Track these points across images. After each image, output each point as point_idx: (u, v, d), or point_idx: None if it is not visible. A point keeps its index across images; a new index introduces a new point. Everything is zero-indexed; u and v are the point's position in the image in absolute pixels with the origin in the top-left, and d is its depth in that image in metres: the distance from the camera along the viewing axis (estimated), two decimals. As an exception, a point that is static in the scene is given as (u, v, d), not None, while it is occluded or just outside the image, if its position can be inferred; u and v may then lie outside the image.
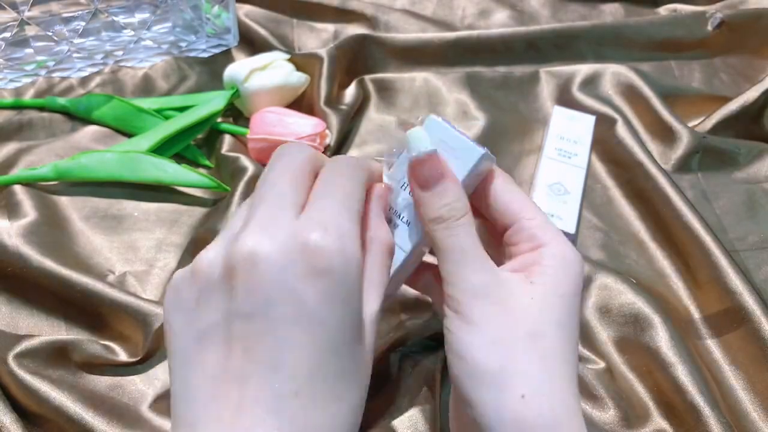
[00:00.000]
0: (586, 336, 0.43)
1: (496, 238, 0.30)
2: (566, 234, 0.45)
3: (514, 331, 0.26)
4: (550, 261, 0.27)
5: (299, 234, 0.23)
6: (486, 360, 0.25)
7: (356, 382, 0.25)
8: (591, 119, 0.54)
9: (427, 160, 0.28)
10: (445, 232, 0.27)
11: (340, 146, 0.53)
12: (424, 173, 0.28)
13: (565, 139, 0.52)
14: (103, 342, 0.40)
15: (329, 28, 0.63)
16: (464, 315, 0.26)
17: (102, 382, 0.39)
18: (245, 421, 0.22)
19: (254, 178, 0.47)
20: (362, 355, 0.25)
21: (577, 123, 0.54)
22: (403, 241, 0.30)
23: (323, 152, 0.51)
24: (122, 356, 0.40)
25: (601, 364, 0.41)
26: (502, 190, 0.30)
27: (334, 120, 0.52)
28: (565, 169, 0.50)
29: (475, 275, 0.26)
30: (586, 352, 0.42)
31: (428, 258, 0.31)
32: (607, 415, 0.39)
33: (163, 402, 0.39)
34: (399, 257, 0.30)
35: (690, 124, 0.55)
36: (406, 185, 0.30)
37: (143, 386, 0.39)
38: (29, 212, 0.45)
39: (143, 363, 0.40)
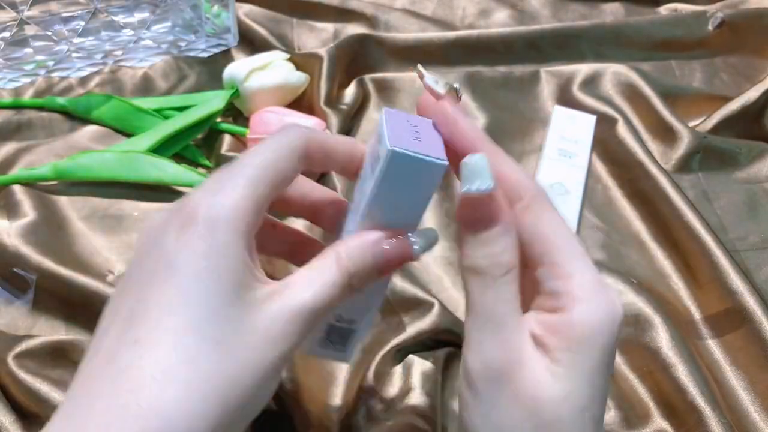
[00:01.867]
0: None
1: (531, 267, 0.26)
2: None
3: (527, 422, 0.23)
4: (575, 332, 0.23)
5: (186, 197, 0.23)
6: None
7: (235, 362, 0.21)
8: (591, 119, 0.54)
9: (483, 201, 0.23)
10: (479, 288, 0.24)
11: (340, 146, 0.53)
12: (475, 213, 0.23)
13: (566, 139, 0.52)
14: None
15: (329, 27, 0.63)
16: (477, 392, 0.24)
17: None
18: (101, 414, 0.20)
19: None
20: (246, 327, 0.21)
21: (578, 123, 0.54)
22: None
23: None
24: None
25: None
26: (531, 219, 0.24)
27: (334, 120, 0.52)
28: (565, 169, 0.50)
29: (498, 350, 0.23)
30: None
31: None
32: (608, 415, 0.39)
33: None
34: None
35: (691, 124, 0.55)
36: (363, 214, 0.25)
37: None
38: (28, 212, 0.45)
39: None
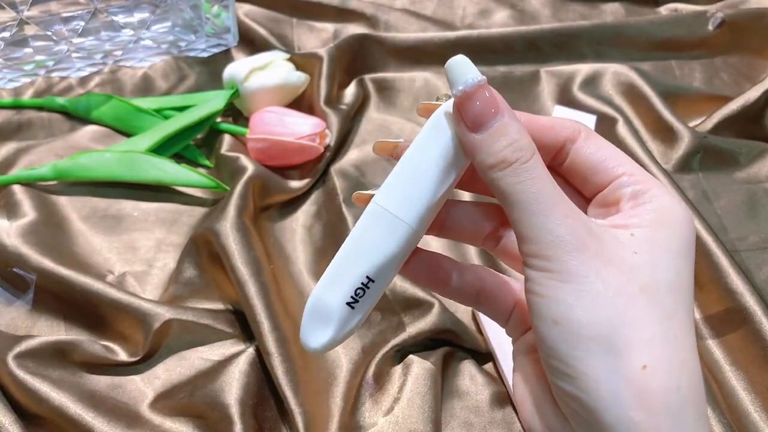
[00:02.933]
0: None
1: (581, 205, 0.25)
2: None
3: (625, 286, 0.21)
4: (652, 215, 0.22)
5: None
6: (593, 321, 0.21)
7: None
8: (591, 119, 0.54)
9: (478, 92, 0.22)
10: (513, 179, 0.22)
11: (340, 146, 0.53)
12: (475, 109, 0.22)
13: None
14: (102, 342, 0.40)
15: (329, 27, 0.63)
16: (558, 271, 0.21)
17: (102, 382, 0.39)
18: None
19: (253, 178, 0.47)
20: None
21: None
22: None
23: (323, 152, 0.51)
24: (122, 356, 0.40)
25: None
26: (591, 148, 0.24)
27: (333, 119, 0.52)
28: None
29: (562, 225, 0.21)
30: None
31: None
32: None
33: (163, 401, 0.38)
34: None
35: (690, 124, 0.55)
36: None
37: (143, 385, 0.39)
38: (28, 212, 0.45)
39: (143, 362, 0.40)
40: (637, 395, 0.20)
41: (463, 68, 0.22)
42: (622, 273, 0.21)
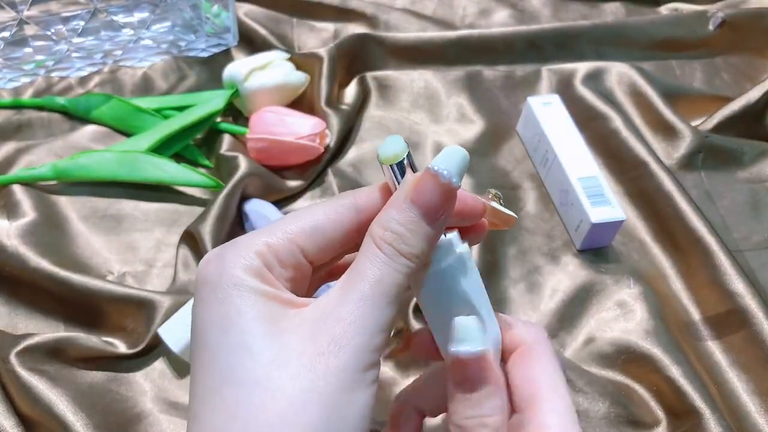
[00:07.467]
0: (585, 336, 0.43)
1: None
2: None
3: None
4: None
5: None
6: None
7: None
8: (556, 97, 0.53)
9: (473, 363, 0.23)
10: None
11: (340, 146, 0.53)
12: (464, 374, 0.23)
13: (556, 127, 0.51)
14: (103, 338, 0.40)
15: (329, 27, 0.63)
16: None
17: (101, 377, 0.39)
18: None
19: (245, 178, 0.47)
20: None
21: (553, 107, 0.52)
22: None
23: (323, 152, 0.51)
24: (122, 349, 0.40)
25: (601, 366, 0.41)
26: (527, 367, 0.25)
27: (334, 120, 0.52)
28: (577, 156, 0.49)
29: None
30: (587, 354, 0.42)
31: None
32: (608, 415, 0.39)
33: (163, 396, 0.38)
34: None
35: (691, 124, 0.55)
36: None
37: (142, 379, 0.39)
38: (28, 212, 0.45)
39: (145, 355, 0.40)
40: None
41: (469, 333, 0.23)
42: None
